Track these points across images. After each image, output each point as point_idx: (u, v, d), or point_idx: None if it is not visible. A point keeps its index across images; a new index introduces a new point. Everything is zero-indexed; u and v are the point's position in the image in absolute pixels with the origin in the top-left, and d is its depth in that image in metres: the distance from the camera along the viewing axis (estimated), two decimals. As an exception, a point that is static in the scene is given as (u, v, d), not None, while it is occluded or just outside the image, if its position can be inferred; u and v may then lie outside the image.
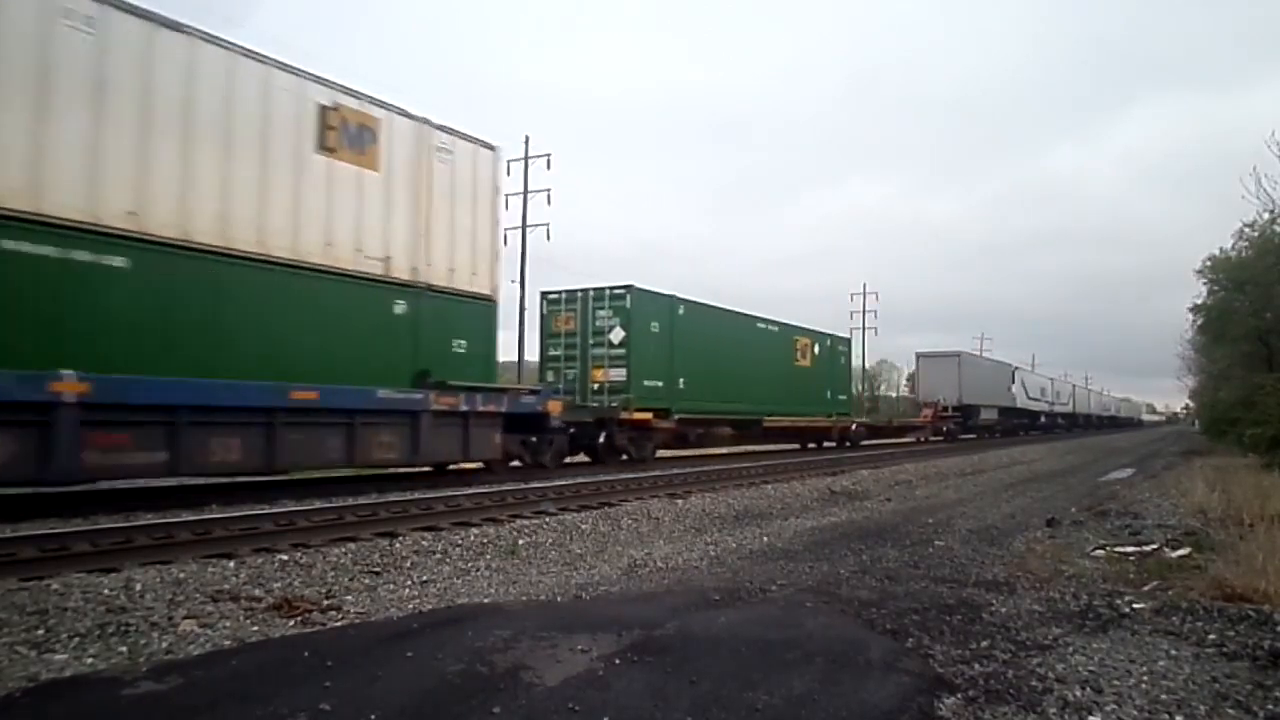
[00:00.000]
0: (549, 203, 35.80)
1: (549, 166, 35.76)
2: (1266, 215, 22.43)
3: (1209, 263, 27.98)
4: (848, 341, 31.84)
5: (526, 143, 35.63)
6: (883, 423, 37.49)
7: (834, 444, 28.75)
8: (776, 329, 25.25)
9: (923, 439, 36.95)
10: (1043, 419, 57.60)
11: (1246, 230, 24.63)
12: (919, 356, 42.65)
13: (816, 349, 27.53)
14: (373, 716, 3.37)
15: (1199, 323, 31.43)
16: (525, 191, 35.38)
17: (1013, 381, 48.99)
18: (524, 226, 35.28)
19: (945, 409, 39.08)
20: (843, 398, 30.07)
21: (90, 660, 4.20)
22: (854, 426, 30.39)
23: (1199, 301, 29.88)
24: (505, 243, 34.88)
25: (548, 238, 35.55)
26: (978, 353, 45.91)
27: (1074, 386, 72.85)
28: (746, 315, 23.91)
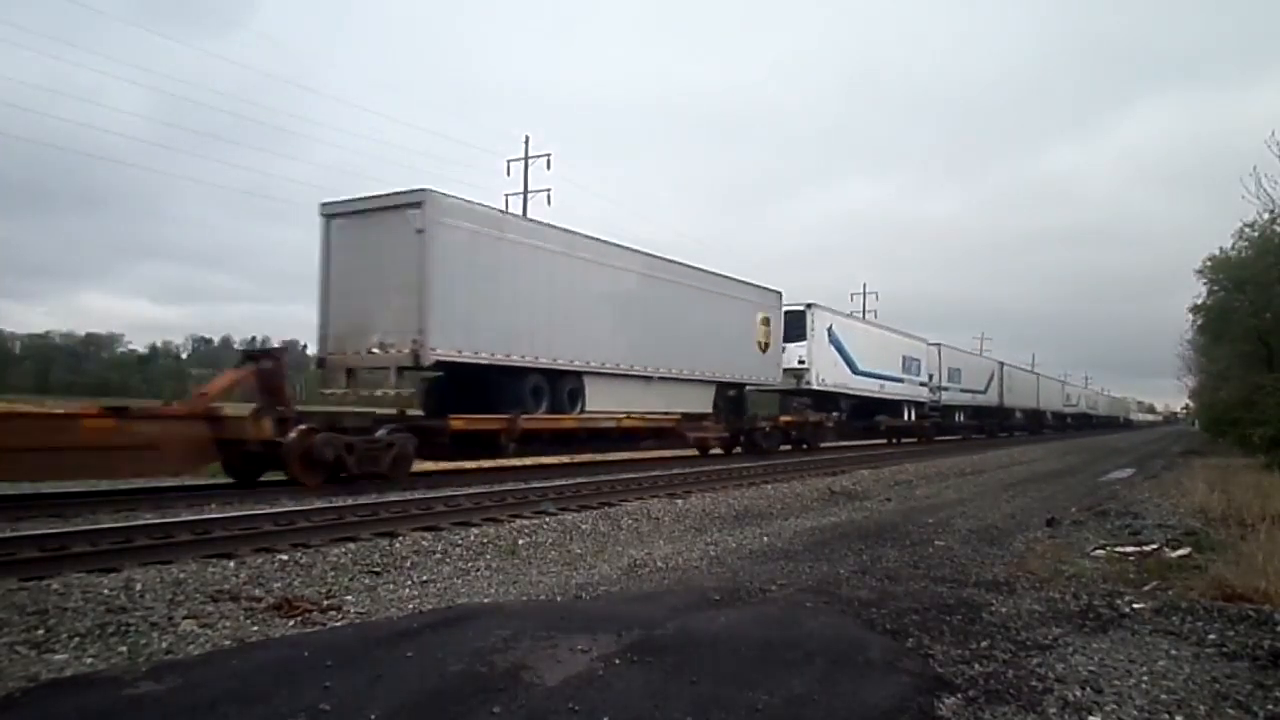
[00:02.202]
0: (549, 203, 35.67)
1: (549, 166, 35.74)
2: (1266, 215, 22.37)
3: (1209, 263, 27.92)
4: None
5: (526, 143, 35.63)
6: None
7: None
8: None
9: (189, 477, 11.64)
10: (910, 413, 32.74)
11: (1246, 230, 24.59)
12: (326, 216, 14.27)
13: None
14: (372, 716, 3.37)
15: (1199, 323, 31.33)
16: (525, 191, 35.43)
17: (805, 333, 25.01)
18: (523, 226, 35.24)
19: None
20: None
21: (90, 660, 4.21)
22: None
23: (1199, 301, 29.79)
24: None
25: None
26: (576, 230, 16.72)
27: (1000, 365, 47.57)
28: None
